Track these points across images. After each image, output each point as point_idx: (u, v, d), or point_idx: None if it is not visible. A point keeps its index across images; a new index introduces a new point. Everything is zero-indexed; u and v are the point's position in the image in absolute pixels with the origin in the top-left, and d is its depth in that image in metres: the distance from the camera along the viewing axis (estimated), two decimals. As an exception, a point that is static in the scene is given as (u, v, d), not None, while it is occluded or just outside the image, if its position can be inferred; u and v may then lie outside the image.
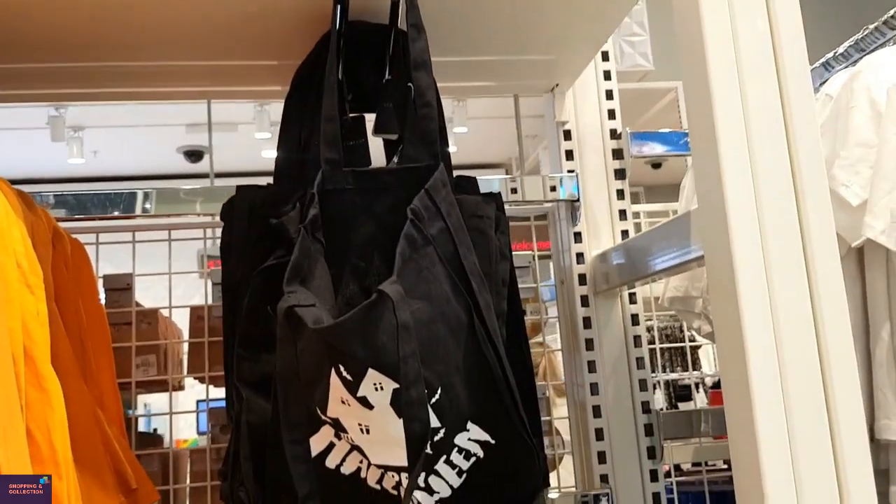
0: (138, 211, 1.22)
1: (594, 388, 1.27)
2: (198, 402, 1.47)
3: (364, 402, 0.75)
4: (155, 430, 1.62)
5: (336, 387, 0.75)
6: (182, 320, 1.49)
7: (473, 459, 0.82)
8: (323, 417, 0.80)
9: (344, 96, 1.01)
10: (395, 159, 0.97)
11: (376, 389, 0.74)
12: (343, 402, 0.76)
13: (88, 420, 0.96)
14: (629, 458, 1.25)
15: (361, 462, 0.83)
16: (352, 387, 0.74)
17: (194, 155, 5.26)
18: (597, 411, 1.26)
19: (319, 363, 0.75)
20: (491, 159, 5.58)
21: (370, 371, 0.73)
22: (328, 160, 0.89)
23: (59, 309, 0.98)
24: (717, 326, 0.80)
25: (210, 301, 1.36)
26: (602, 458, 1.24)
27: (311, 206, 0.83)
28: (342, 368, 0.74)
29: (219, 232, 1.37)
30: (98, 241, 1.25)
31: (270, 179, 1.00)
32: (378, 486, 0.83)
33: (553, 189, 1.33)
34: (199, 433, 2.35)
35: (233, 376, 0.91)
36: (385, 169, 0.91)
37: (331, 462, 0.83)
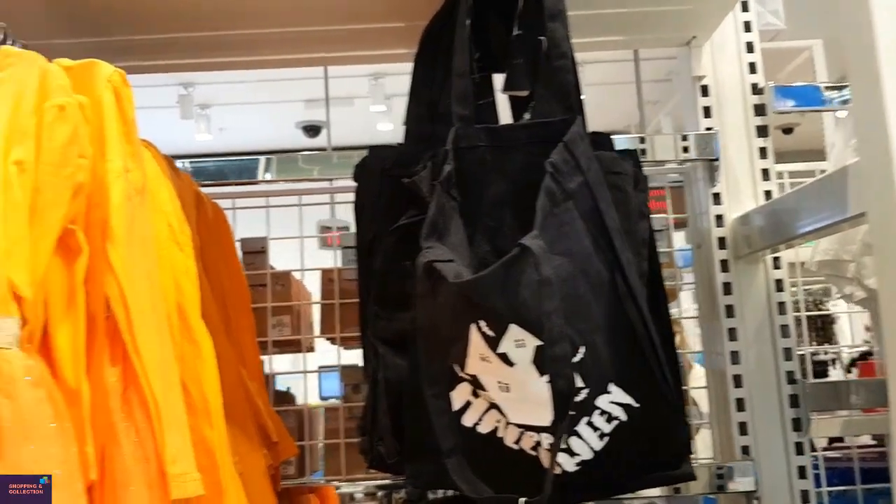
0: (260, 177, 1.28)
1: (735, 357, 1.20)
2: (320, 367, 1.48)
3: (505, 358, 0.74)
4: (288, 388, 1.68)
5: (476, 343, 0.74)
6: (312, 284, 1.54)
7: (616, 423, 0.79)
8: (460, 374, 0.79)
9: (472, 55, 0.99)
10: (527, 115, 0.94)
11: (518, 346, 0.72)
12: (483, 358, 0.75)
13: (233, 375, 1.00)
14: (772, 430, 1.18)
15: (499, 421, 0.82)
16: (493, 343, 0.73)
17: (312, 130, 5.41)
18: (738, 381, 1.19)
19: (459, 319, 0.75)
20: (608, 128, 5.43)
21: (512, 327, 0.72)
22: (460, 117, 0.87)
23: (204, 269, 1.02)
24: (882, 292, 0.73)
25: (339, 264, 1.39)
26: (743, 429, 1.18)
27: (447, 162, 0.82)
28: (483, 324, 0.73)
29: (338, 198, 1.42)
30: (235, 206, 1.29)
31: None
32: (516, 446, 0.82)
33: (686, 150, 1.26)
34: (322, 398, 2.38)
35: (369, 334, 0.92)
36: (518, 124, 0.88)
37: (468, 420, 0.82)
